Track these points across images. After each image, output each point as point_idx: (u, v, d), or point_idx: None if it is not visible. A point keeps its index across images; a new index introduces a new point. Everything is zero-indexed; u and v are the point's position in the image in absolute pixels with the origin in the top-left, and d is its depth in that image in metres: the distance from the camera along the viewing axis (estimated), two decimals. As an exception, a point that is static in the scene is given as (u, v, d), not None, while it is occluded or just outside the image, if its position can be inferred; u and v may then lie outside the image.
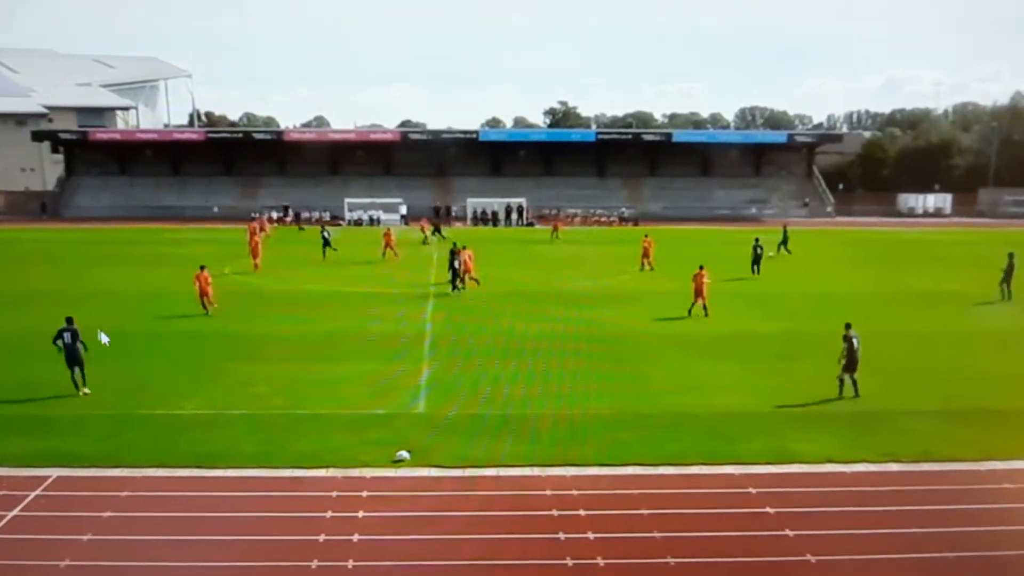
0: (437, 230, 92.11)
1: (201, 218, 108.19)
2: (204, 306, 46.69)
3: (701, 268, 46.62)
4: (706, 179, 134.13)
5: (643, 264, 64.64)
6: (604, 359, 36.79)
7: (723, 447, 25.66)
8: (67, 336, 30.88)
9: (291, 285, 57.87)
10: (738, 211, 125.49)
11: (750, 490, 22.65)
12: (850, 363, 30.49)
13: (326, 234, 75.89)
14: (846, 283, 59.25)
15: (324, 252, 73.40)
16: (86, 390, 31.24)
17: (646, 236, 69.58)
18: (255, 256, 65.81)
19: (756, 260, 61.67)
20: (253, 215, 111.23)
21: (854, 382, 30.58)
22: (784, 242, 75.46)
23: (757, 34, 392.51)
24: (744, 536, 20.14)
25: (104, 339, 32.93)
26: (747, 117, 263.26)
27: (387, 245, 72.99)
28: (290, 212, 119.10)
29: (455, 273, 54.50)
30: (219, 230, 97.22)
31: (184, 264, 66.51)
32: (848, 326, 30.97)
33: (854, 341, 30.41)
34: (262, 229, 76.57)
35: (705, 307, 45.76)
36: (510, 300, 50.98)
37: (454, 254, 54.92)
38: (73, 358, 31.02)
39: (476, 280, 56.07)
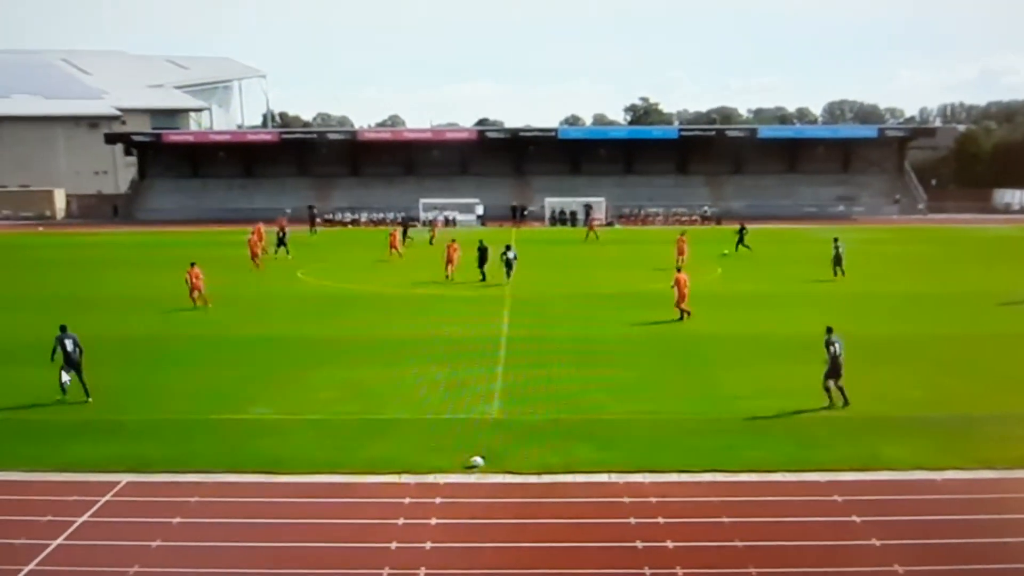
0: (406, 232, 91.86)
1: (273, 220, 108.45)
2: (193, 301, 47.99)
3: (679, 271, 46.47)
4: (792, 176, 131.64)
5: (678, 262, 63.93)
6: (680, 362, 36.27)
7: (807, 453, 24.91)
8: (68, 343, 30.76)
9: (360, 287, 57.85)
10: (825, 209, 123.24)
11: (835, 498, 21.90)
12: (833, 370, 29.29)
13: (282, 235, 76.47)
14: (937, 283, 57.89)
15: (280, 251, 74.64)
16: (80, 397, 30.98)
17: (681, 235, 69.10)
18: (254, 257, 67.02)
19: (837, 261, 59.85)
20: (287, 210, 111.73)
21: (840, 389, 29.36)
22: (741, 239, 75.80)
23: (846, 25, 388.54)
24: (828, 545, 19.45)
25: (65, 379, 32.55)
26: (835, 111, 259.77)
27: (392, 246, 73.57)
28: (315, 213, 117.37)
29: (509, 264, 59.06)
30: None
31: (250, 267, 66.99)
32: (829, 330, 29.79)
33: (836, 346, 29.20)
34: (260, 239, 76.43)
35: (682, 310, 44.90)
36: (584, 302, 50.53)
37: (508, 247, 60.13)
38: (73, 364, 30.81)
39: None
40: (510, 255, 59.67)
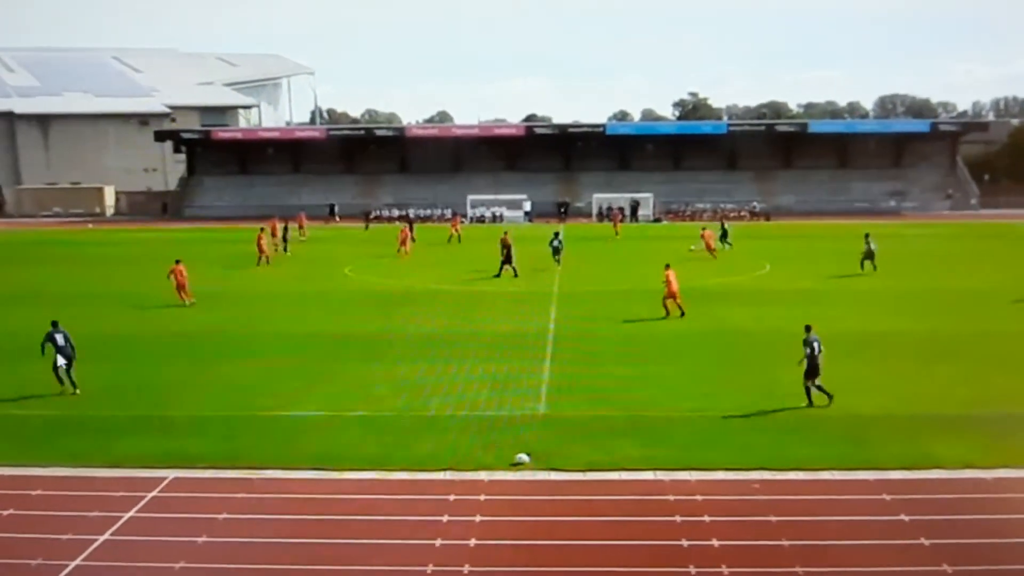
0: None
1: (320, 216, 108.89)
2: (181, 298, 48.57)
3: (668, 267, 45.70)
4: (843, 171, 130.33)
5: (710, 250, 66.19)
6: (728, 358, 36.06)
7: (855, 451, 24.61)
8: (59, 338, 31.30)
9: (407, 283, 57.88)
10: (877, 204, 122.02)
11: (884, 496, 21.61)
12: (811, 369, 28.97)
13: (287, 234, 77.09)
14: (986, 279, 57.01)
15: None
16: (76, 390, 31.57)
17: (704, 229, 70.49)
18: (261, 252, 67.52)
19: (868, 256, 59.70)
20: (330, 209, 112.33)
21: (820, 388, 28.96)
22: (724, 235, 75.53)
23: (899, 19, 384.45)
24: (876, 544, 19.17)
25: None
26: (887, 106, 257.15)
27: (402, 243, 73.86)
28: (336, 211, 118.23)
29: (556, 251, 64.64)
30: (331, 229, 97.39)
31: (298, 264, 67.28)
32: (808, 329, 29.53)
33: (815, 345, 28.92)
34: (274, 234, 76.67)
35: (671, 306, 44.54)
36: (631, 298, 50.19)
37: (556, 234, 65.51)
38: (66, 357, 31.28)
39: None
40: (556, 243, 64.88)
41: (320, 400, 30.51)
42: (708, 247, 67.28)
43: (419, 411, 29.15)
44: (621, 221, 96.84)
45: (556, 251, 64.80)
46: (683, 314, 44.05)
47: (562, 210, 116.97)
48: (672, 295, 44.29)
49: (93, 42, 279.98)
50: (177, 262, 49.48)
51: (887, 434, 26.08)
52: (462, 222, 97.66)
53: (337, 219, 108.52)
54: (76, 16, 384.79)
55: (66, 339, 31.31)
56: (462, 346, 38.71)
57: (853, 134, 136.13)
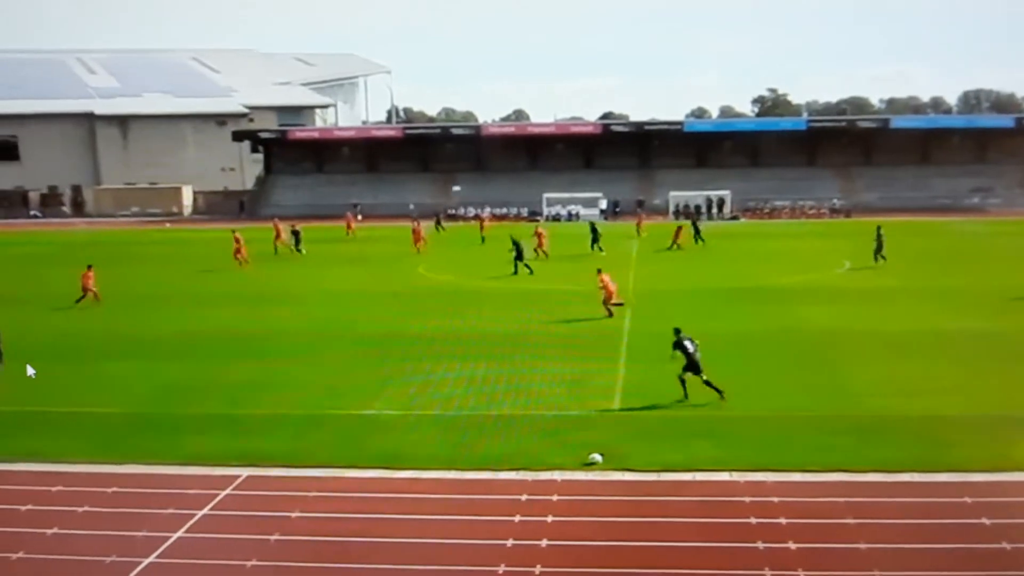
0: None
1: (396, 215, 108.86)
2: (84, 298, 50.04)
3: (600, 271, 45.63)
4: (925, 167, 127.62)
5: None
6: (804, 358, 35.54)
7: (935, 453, 24.07)
8: None
9: (482, 283, 57.93)
10: (959, 201, 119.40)
11: (965, 499, 21.14)
12: (691, 366, 28.86)
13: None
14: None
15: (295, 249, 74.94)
16: None
17: (679, 228, 74.62)
18: (238, 255, 67.00)
19: (879, 248, 60.76)
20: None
21: (708, 383, 28.86)
22: (696, 231, 76.26)
23: (983, 12, 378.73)
24: (955, 548, 18.78)
25: (30, 372, 32.96)
26: (971, 101, 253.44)
27: (417, 240, 74.81)
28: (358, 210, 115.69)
29: (596, 235, 70.92)
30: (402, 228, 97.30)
31: (368, 263, 67.72)
32: (677, 331, 29.65)
33: (688, 345, 28.99)
34: (279, 236, 76.78)
35: (608, 308, 44.02)
36: (707, 297, 49.77)
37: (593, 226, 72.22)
38: None
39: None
40: (596, 230, 72.10)
41: (393, 399, 30.51)
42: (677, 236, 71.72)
43: (492, 410, 29.08)
44: (643, 223, 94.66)
45: (595, 238, 70.91)
46: (610, 315, 43.68)
47: (636, 208, 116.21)
48: (608, 297, 44.06)
49: (173, 44, 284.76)
50: (89, 267, 51.20)
51: (967, 435, 25.48)
52: (490, 219, 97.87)
53: (359, 219, 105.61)
54: (157, 18, 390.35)
55: None
56: (535, 345, 38.57)
57: (936, 130, 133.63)
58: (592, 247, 70.39)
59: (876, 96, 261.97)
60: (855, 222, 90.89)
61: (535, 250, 66.14)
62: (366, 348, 38.61)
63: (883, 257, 60.41)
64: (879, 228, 61.70)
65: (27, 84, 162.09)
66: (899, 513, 20.66)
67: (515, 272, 58.98)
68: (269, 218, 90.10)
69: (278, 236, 76.47)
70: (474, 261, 68.97)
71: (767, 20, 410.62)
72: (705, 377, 28.96)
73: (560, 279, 57.69)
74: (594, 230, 72.44)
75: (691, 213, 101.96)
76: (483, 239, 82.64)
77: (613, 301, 44.06)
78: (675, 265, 64.86)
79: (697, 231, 76.02)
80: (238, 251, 66.64)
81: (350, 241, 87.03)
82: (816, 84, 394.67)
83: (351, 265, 68.42)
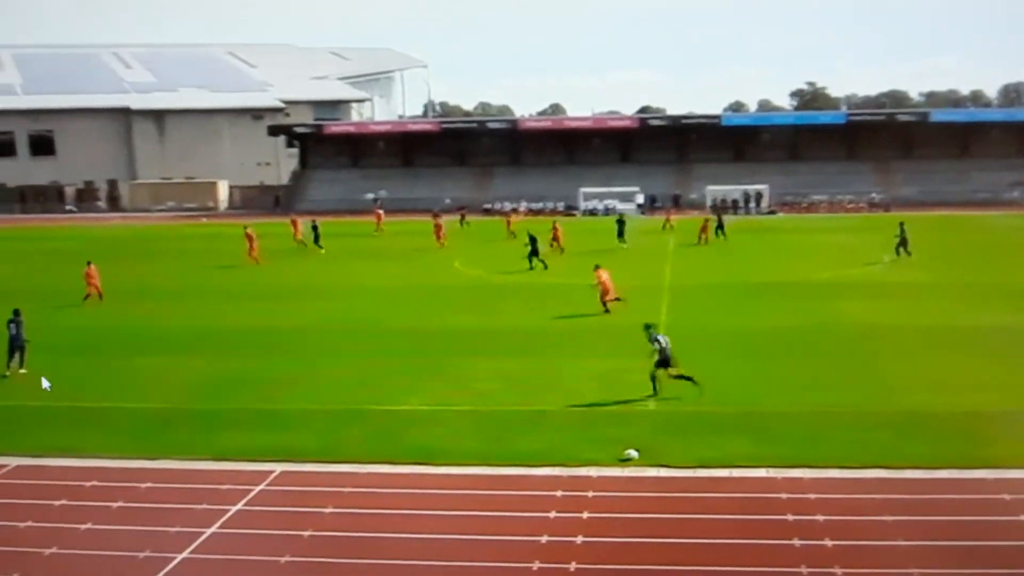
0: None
1: (429, 210, 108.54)
2: (89, 296, 49.39)
3: (597, 267, 45.32)
4: (965, 161, 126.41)
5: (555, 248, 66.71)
6: (841, 353, 35.24)
7: (975, 449, 23.76)
8: (12, 328, 33.89)
9: (515, 278, 57.64)
10: (999, 195, 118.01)
11: (1003, 496, 20.90)
12: (663, 361, 28.79)
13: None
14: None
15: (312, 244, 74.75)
16: (23, 371, 33.95)
17: (706, 221, 74.99)
18: (252, 252, 66.51)
19: (902, 243, 60.70)
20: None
21: (682, 376, 28.88)
22: (720, 226, 75.98)
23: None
24: (993, 545, 18.56)
25: (45, 384, 32.73)
26: (1011, 94, 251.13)
27: (439, 235, 75.00)
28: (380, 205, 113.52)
29: (623, 226, 71.76)
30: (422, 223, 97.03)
31: (398, 258, 67.54)
32: (647, 327, 29.77)
33: (660, 340, 28.92)
34: (296, 232, 76.78)
35: (605, 304, 43.69)
36: (742, 292, 49.52)
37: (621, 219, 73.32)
38: (17, 344, 33.95)
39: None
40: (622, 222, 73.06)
41: (427, 394, 30.46)
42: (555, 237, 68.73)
43: (526, 406, 28.98)
44: (672, 218, 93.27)
45: (621, 230, 71.59)
46: (607, 311, 43.36)
47: (673, 202, 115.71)
48: (605, 294, 43.77)
49: (209, 38, 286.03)
50: (88, 264, 50.62)
51: (1008, 431, 25.20)
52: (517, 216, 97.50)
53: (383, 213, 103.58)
54: (192, 13, 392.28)
55: (19, 327, 34.05)
56: (570, 339, 38.62)
57: (976, 123, 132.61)
58: (618, 240, 70.65)
59: (915, 90, 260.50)
60: (894, 216, 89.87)
61: (551, 244, 66.19)
62: (399, 342, 38.66)
63: (908, 252, 60.28)
64: (902, 224, 61.87)
65: (64, 79, 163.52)
66: (937, 510, 20.46)
67: (530, 267, 58.80)
68: (302, 212, 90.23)
69: (296, 232, 76.59)
70: (504, 256, 68.48)
71: (806, 13, 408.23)
72: (674, 372, 28.99)
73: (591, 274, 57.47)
74: (620, 223, 72.70)
75: (716, 208, 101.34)
76: (513, 234, 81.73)
77: (610, 297, 43.74)
78: (710, 260, 64.49)
79: (720, 226, 75.81)
80: (251, 249, 66.32)
81: (378, 236, 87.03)
82: (855, 77, 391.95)
83: (381, 260, 68.56)
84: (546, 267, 59.12)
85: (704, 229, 73.91)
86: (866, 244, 69.89)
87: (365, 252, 73.87)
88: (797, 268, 58.30)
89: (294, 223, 78.16)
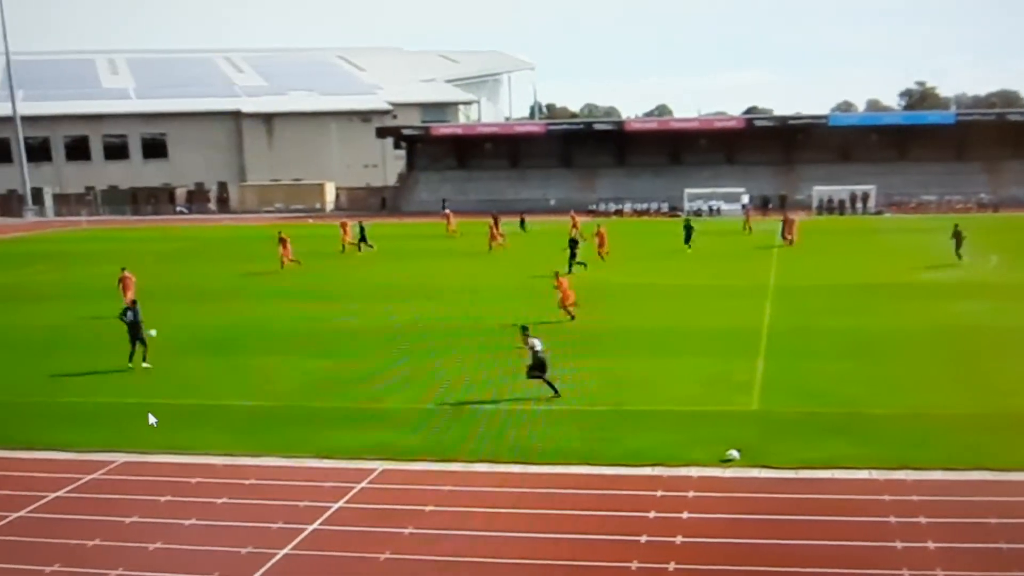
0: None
1: (537, 211, 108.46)
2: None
3: (557, 274, 44.78)
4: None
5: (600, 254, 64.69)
6: (947, 354, 34.68)
7: (1084, 451, 23.31)
8: (129, 315, 35.17)
9: (613, 278, 57.34)
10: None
11: (1112, 499, 20.45)
12: (537, 367, 29.02)
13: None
14: None
15: (359, 247, 75.23)
16: (145, 364, 35.23)
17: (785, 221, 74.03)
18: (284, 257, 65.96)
19: (958, 245, 60.30)
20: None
21: (548, 383, 29.23)
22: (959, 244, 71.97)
23: None
24: (1102, 550, 18.14)
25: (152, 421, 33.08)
26: None
27: (492, 237, 74.33)
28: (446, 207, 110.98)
29: (690, 231, 70.88)
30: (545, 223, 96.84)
31: (502, 261, 67.60)
32: (524, 330, 29.88)
33: (536, 345, 29.02)
34: (346, 234, 76.67)
35: (568, 310, 42.83)
36: (851, 292, 48.83)
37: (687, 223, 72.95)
38: (137, 336, 35.16)
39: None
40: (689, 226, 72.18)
41: (527, 393, 30.35)
42: (601, 244, 65.43)
43: (629, 406, 28.97)
44: (752, 218, 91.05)
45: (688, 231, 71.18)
46: (572, 318, 42.55)
47: (776, 203, 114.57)
48: (565, 299, 43.04)
49: (320, 43, 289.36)
50: (123, 269, 49.36)
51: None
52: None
53: (451, 216, 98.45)
54: (305, 18, 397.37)
55: (136, 316, 35.29)
56: (675, 340, 38.50)
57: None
58: (685, 245, 69.90)
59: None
60: (1004, 216, 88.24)
61: (598, 253, 64.42)
62: (498, 341, 38.41)
63: (959, 256, 59.75)
64: (956, 226, 61.70)
65: (176, 83, 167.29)
66: (1044, 513, 20.06)
67: (569, 271, 56.46)
68: (410, 214, 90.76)
69: (345, 235, 76.98)
70: (629, 256, 67.97)
71: (916, 12, 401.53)
72: (548, 376, 29.42)
73: (698, 274, 57.48)
74: (688, 228, 71.87)
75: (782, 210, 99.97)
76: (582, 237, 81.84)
77: (570, 302, 43.06)
78: (817, 259, 63.78)
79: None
80: (285, 252, 66.05)
81: (449, 238, 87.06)
82: (965, 77, 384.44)
83: (456, 259, 69.87)
84: (585, 266, 59.23)
85: (786, 229, 73.59)
86: (974, 245, 68.64)
87: (440, 252, 75.09)
88: (902, 268, 57.44)
89: (343, 226, 78.34)
